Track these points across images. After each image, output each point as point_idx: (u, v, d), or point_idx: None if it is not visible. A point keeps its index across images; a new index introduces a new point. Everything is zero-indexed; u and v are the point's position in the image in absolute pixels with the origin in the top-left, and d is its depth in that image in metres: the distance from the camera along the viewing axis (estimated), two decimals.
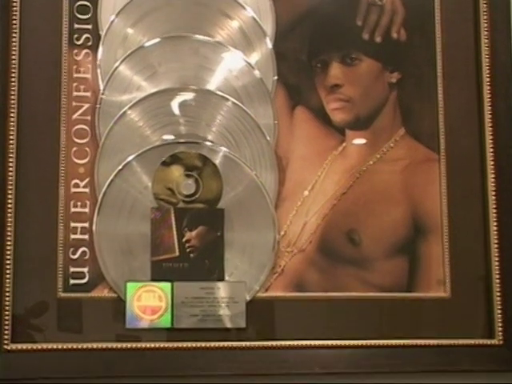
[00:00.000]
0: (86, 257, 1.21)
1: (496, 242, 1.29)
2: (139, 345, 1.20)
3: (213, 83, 1.29)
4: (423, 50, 1.35)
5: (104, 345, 1.19)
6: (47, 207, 1.21)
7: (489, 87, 1.32)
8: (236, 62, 1.30)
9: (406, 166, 1.33)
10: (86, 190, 1.23)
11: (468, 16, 1.36)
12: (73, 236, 1.21)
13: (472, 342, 1.28)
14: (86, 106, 1.24)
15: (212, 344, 1.21)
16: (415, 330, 1.28)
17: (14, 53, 1.21)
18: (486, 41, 1.33)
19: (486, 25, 1.34)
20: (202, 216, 1.26)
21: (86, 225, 1.22)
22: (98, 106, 1.24)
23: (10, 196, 1.19)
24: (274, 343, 1.24)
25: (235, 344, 1.22)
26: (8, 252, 1.17)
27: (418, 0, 1.36)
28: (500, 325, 1.28)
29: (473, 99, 1.34)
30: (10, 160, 1.19)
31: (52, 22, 1.24)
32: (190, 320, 1.22)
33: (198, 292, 1.23)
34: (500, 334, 1.28)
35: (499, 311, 1.28)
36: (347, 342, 1.25)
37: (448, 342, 1.27)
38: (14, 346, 1.16)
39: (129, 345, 1.20)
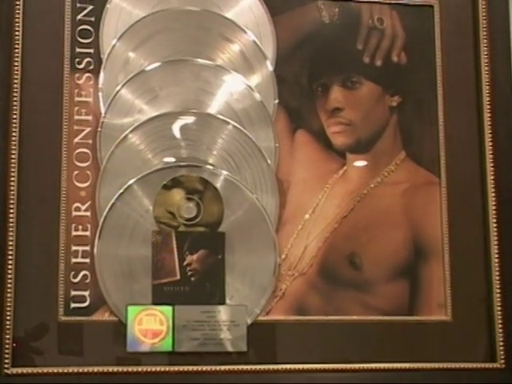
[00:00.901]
0: (87, 280, 1.21)
1: (497, 265, 1.29)
2: (140, 368, 1.19)
3: (214, 107, 1.29)
4: (424, 73, 1.36)
5: (105, 368, 1.18)
6: (48, 230, 1.21)
7: (489, 111, 1.33)
8: (237, 86, 1.31)
9: (406, 189, 1.34)
10: (88, 213, 1.23)
11: (468, 40, 1.37)
12: (74, 259, 1.21)
13: (474, 365, 1.28)
14: (88, 129, 1.24)
15: (213, 368, 1.21)
16: (417, 353, 1.27)
17: (15, 76, 1.21)
18: (486, 65, 1.34)
19: (486, 49, 1.34)
20: (202, 239, 1.26)
21: (87, 248, 1.22)
22: (99, 129, 1.24)
23: (11, 219, 1.18)
24: (275, 367, 1.23)
25: (236, 367, 1.22)
26: (9, 276, 1.17)
27: (419, 24, 1.37)
28: (502, 348, 1.28)
29: (473, 123, 1.35)
30: (12, 183, 1.19)
31: (54, 46, 1.25)
32: (190, 344, 1.22)
33: (198, 315, 1.23)
34: (502, 357, 1.28)
35: (501, 335, 1.28)
36: (348, 366, 1.25)
37: (449, 366, 1.27)
38: (14, 370, 1.16)
39: (130, 368, 1.19)
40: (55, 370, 1.17)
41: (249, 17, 1.33)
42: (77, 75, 1.26)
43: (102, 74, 1.26)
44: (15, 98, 1.21)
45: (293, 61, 1.34)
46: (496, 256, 1.30)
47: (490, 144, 1.32)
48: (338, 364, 1.24)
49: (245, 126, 1.30)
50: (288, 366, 1.23)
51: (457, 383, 1.26)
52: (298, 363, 1.24)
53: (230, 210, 1.27)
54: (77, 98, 1.25)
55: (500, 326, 1.28)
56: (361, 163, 1.33)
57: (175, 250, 1.24)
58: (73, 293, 1.21)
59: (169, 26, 1.29)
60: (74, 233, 1.22)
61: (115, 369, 1.19)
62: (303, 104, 1.33)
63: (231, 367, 1.22)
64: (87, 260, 1.22)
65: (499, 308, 1.28)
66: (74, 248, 1.22)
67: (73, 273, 1.21)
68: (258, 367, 1.22)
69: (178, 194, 1.26)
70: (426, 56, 1.36)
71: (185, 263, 1.24)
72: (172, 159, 1.27)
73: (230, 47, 1.31)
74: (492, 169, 1.32)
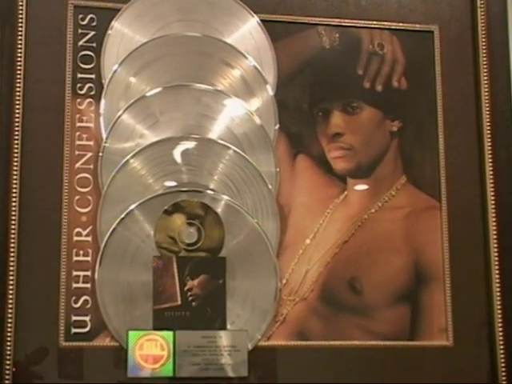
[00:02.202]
0: (88, 305, 1.21)
1: (498, 289, 1.29)
2: None
3: (214, 132, 1.30)
4: (424, 98, 1.37)
5: None
6: (50, 255, 1.21)
7: (489, 136, 1.33)
8: (237, 111, 1.31)
9: (407, 214, 1.34)
10: (89, 238, 1.23)
11: (468, 65, 1.38)
12: (75, 285, 1.21)
13: None
14: (89, 154, 1.25)
15: None
16: (418, 378, 1.27)
17: (17, 102, 1.22)
18: (486, 89, 1.35)
19: (485, 74, 1.35)
20: (203, 264, 1.26)
21: (89, 273, 1.22)
22: (100, 154, 1.25)
23: (12, 244, 1.18)
24: None
25: None
26: (10, 301, 1.17)
27: (419, 49, 1.38)
28: (503, 373, 1.27)
29: (474, 147, 1.35)
30: (13, 208, 1.19)
31: (55, 71, 1.25)
32: (191, 369, 1.21)
33: (199, 341, 1.23)
34: (504, 382, 1.27)
35: (502, 359, 1.27)
36: None
37: None
38: None
39: None
40: None
41: (249, 42, 1.33)
42: (78, 100, 1.26)
43: (103, 100, 1.26)
44: (17, 123, 1.21)
45: (293, 86, 1.34)
46: (497, 280, 1.30)
47: (491, 168, 1.33)
48: None
49: (246, 151, 1.30)
50: None
51: None
52: None
53: (231, 235, 1.27)
54: (78, 124, 1.25)
55: (502, 350, 1.28)
56: (361, 188, 1.33)
57: (176, 275, 1.24)
58: (74, 318, 1.20)
59: (170, 51, 1.30)
60: (75, 258, 1.22)
61: None
62: (304, 129, 1.34)
63: None
64: (88, 285, 1.21)
65: (501, 333, 1.28)
66: (75, 273, 1.21)
67: (74, 298, 1.21)
68: None
69: (179, 219, 1.26)
70: (426, 81, 1.37)
71: (186, 288, 1.24)
72: (173, 184, 1.27)
73: (230, 72, 1.32)
74: (493, 193, 1.32)
